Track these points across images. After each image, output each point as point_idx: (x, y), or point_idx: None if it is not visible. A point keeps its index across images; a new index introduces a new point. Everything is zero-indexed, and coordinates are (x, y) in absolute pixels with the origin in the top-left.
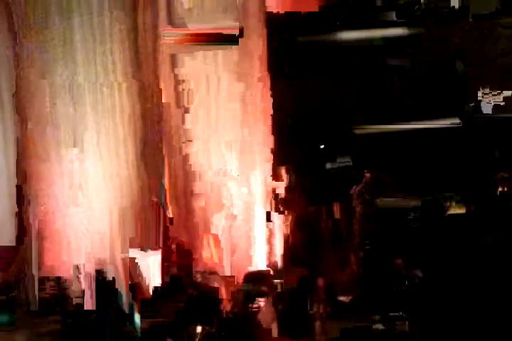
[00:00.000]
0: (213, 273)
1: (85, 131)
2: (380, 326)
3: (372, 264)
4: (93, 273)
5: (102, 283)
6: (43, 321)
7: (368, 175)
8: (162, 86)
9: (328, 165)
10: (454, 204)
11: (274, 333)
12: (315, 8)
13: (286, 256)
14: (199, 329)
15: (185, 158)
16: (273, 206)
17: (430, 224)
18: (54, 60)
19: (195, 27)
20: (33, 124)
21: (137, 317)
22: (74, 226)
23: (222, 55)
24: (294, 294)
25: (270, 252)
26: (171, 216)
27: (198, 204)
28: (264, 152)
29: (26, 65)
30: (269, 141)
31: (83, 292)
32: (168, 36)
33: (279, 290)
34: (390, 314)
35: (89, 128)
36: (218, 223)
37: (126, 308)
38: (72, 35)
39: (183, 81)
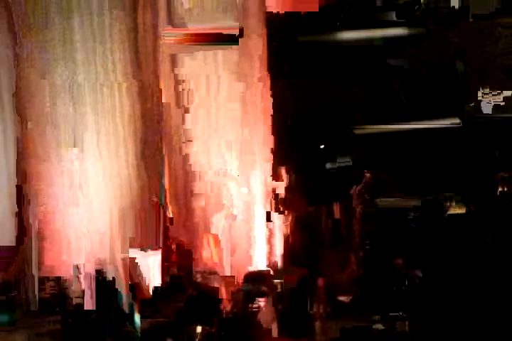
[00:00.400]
0: (213, 273)
1: (85, 131)
2: (380, 326)
3: (372, 264)
4: (93, 273)
5: (102, 283)
6: (43, 321)
7: (368, 175)
8: (162, 86)
9: (328, 165)
10: (454, 204)
11: (274, 333)
12: (315, 8)
13: (286, 256)
14: (199, 329)
15: (185, 158)
16: (273, 206)
17: (430, 224)
18: (54, 60)
19: (195, 27)
20: (33, 124)
21: (137, 317)
22: (74, 226)
23: (222, 55)
24: (294, 294)
25: (270, 252)
26: (171, 216)
27: (198, 204)
28: (264, 152)
29: (26, 65)
30: (269, 141)
31: (83, 292)
32: (168, 36)
33: (279, 290)
34: (390, 314)
35: (89, 128)
36: (218, 223)
37: (126, 308)
38: (72, 35)
39: (183, 81)
